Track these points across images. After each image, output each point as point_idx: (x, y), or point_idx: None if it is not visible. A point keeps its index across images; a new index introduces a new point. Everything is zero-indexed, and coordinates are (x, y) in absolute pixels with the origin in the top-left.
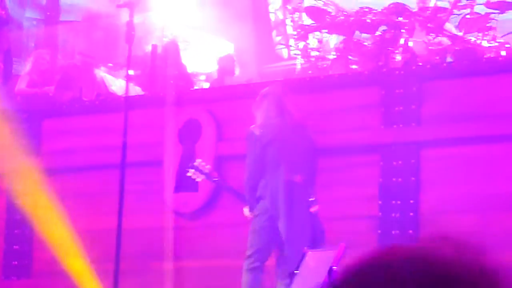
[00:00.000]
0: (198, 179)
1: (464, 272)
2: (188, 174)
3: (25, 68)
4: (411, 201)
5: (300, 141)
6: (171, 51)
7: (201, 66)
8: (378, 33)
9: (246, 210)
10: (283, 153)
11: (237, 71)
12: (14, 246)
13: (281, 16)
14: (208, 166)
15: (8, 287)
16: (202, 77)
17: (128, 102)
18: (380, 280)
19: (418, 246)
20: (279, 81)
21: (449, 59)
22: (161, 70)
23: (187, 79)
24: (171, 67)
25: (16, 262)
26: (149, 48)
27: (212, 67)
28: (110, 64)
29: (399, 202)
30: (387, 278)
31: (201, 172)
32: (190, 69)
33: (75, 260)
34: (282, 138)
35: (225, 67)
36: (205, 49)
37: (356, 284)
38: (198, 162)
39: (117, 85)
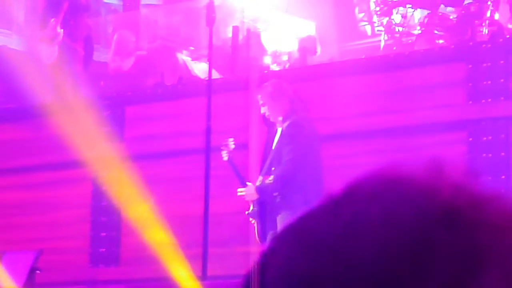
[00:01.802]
0: (225, 158)
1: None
2: (222, 153)
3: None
4: (503, 177)
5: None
6: (253, 34)
7: (283, 46)
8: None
9: (250, 191)
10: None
11: (318, 50)
12: (102, 233)
13: None
14: (233, 146)
15: (96, 275)
16: (284, 57)
17: (211, 85)
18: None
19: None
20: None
21: None
22: (243, 53)
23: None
24: (254, 49)
25: (104, 249)
26: (229, 30)
27: (293, 47)
28: (192, 48)
29: (489, 178)
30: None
31: (228, 150)
32: (271, 49)
33: (163, 246)
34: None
35: (307, 46)
36: (286, 29)
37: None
38: (229, 140)
39: (199, 68)
